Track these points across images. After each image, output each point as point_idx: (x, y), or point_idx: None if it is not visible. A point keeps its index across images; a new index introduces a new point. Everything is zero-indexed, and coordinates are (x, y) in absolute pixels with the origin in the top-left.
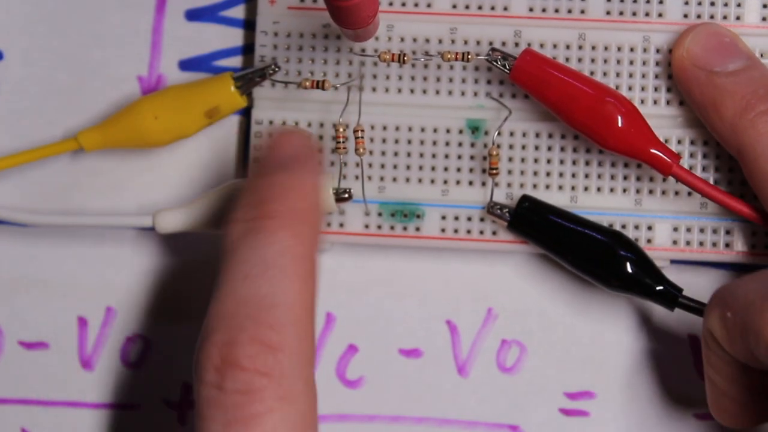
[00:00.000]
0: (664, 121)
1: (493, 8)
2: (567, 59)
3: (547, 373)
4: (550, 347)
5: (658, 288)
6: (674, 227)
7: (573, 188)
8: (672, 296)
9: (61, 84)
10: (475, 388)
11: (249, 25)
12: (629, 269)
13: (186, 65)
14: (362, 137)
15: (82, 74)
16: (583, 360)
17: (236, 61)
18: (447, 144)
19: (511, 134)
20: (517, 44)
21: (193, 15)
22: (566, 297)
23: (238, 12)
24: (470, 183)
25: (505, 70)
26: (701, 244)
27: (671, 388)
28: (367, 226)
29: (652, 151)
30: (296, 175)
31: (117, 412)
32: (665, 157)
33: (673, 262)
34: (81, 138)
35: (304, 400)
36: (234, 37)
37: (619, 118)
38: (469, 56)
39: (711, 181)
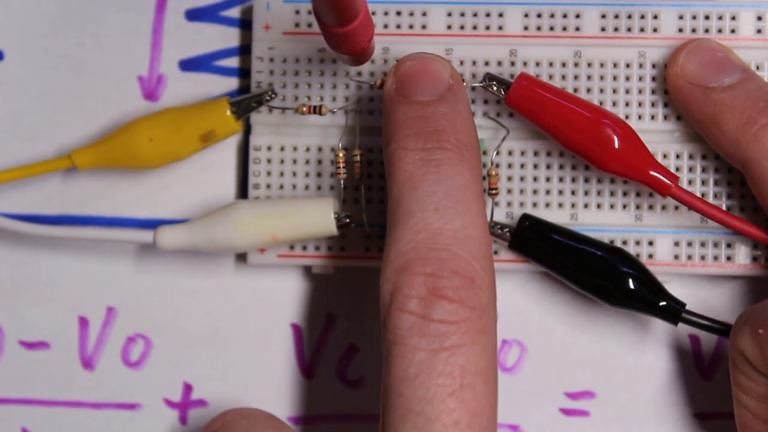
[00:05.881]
0: (661, 136)
1: (488, 28)
2: (563, 77)
3: (547, 373)
4: (550, 347)
5: (661, 304)
6: (675, 242)
7: (573, 206)
8: (675, 311)
9: (60, 84)
10: None
11: (248, 25)
12: (631, 285)
13: (186, 65)
14: (361, 161)
15: (82, 74)
16: (583, 360)
17: (236, 61)
18: None
19: (510, 153)
20: (513, 63)
21: (193, 15)
22: (569, 313)
23: (238, 12)
24: None
25: (501, 96)
26: (702, 258)
27: (671, 388)
28: (368, 249)
29: (651, 173)
30: (459, 106)
31: (117, 411)
32: (664, 179)
33: (675, 276)
34: (74, 157)
35: (495, 332)
36: (234, 37)
37: (616, 140)
38: (464, 82)
39: (711, 195)
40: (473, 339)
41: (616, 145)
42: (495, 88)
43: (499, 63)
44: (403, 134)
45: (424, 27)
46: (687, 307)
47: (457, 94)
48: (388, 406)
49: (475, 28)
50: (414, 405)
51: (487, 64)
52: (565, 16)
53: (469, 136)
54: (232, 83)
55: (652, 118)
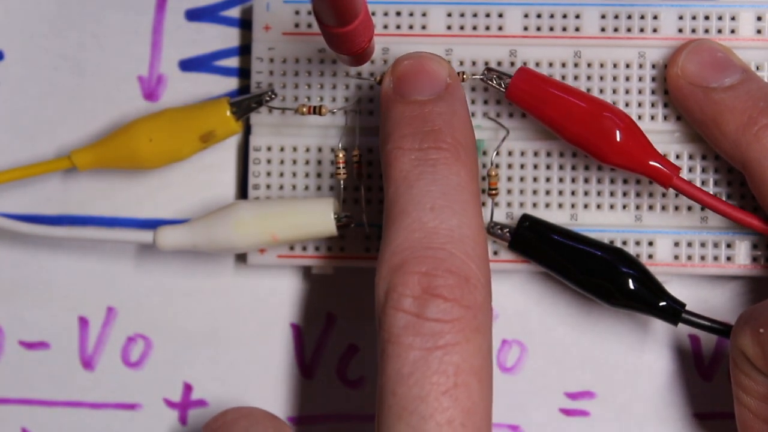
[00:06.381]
0: (661, 137)
1: (488, 28)
2: (563, 77)
3: (547, 373)
4: (550, 347)
5: (661, 304)
6: (675, 242)
7: (573, 206)
8: (675, 312)
9: (60, 84)
10: None
11: (248, 25)
12: (631, 286)
13: (186, 65)
14: (361, 161)
15: (82, 74)
16: (583, 360)
17: (236, 62)
18: None
19: (510, 153)
20: (512, 63)
21: (193, 15)
22: (569, 313)
23: (238, 12)
24: None
25: (501, 89)
26: (702, 258)
27: (671, 388)
28: (368, 250)
29: (652, 163)
30: (455, 106)
31: (117, 411)
32: (665, 170)
33: (675, 277)
34: (74, 157)
35: (490, 333)
36: (234, 37)
37: (618, 132)
38: (464, 76)
39: None
40: (468, 338)
41: (618, 137)
42: (495, 82)
43: (499, 63)
44: (400, 134)
45: (423, 27)
46: (687, 308)
47: (454, 93)
48: (382, 405)
49: (474, 28)
50: (408, 403)
51: (486, 64)
52: (564, 16)
53: (465, 136)
54: (232, 83)
55: (652, 118)
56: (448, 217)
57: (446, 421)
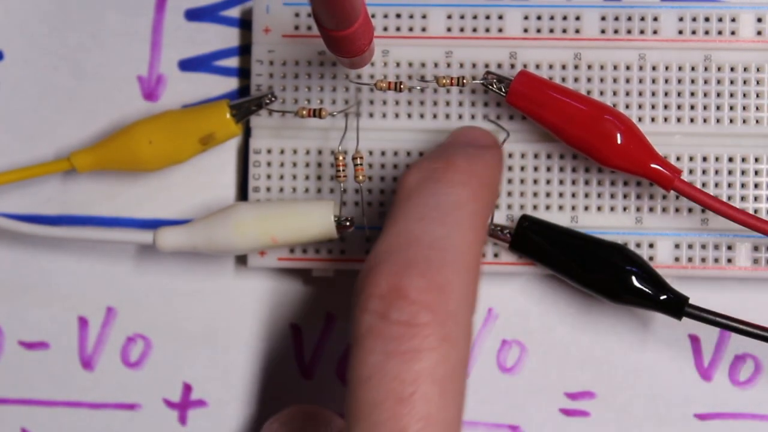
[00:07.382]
0: (661, 139)
1: (488, 30)
2: (563, 79)
3: (547, 373)
4: (550, 347)
5: (663, 298)
6: (676, 244)
7: (573, 208)
8: (678, 305)
9: (60, 85)
10: (475, 388)
11: (247, 24)
12: (633, 281)
13: (186, 65)
14: (361, 164)
15: (82, 74)
16: (583, 360)
17: (235, 62)
18: None
19: (510, 155)
20: (513, 65)
21: (193, 15)
22: (569, 313)
23: (238, 12)
24: None
25: (502, 94)
26: (703, 260)
27: (671, 388)
28: (368, 252)
29: (653, 166)
30: (485, 151)
31: (117, 412)
32: (666, 172)
33: (675, 279)
34: (74, 159)
35: (463, 345)
36: (234, 37)
37: (618, 135)
38: (464, 81)
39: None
40: (433, 346)
41: (618, 140)
42: (495, 86)
43: (499, 65)
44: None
45: (423, 29)
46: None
47: (490, 145)
48: (346, 408)
49: (474, 30)
50: (364, 408)
51: (487, 66)
52: (564, 18)
53: (486, 170)
54: (231, 83)
55: (652, 120)
56: (435, 227)
57: (399, 429)
